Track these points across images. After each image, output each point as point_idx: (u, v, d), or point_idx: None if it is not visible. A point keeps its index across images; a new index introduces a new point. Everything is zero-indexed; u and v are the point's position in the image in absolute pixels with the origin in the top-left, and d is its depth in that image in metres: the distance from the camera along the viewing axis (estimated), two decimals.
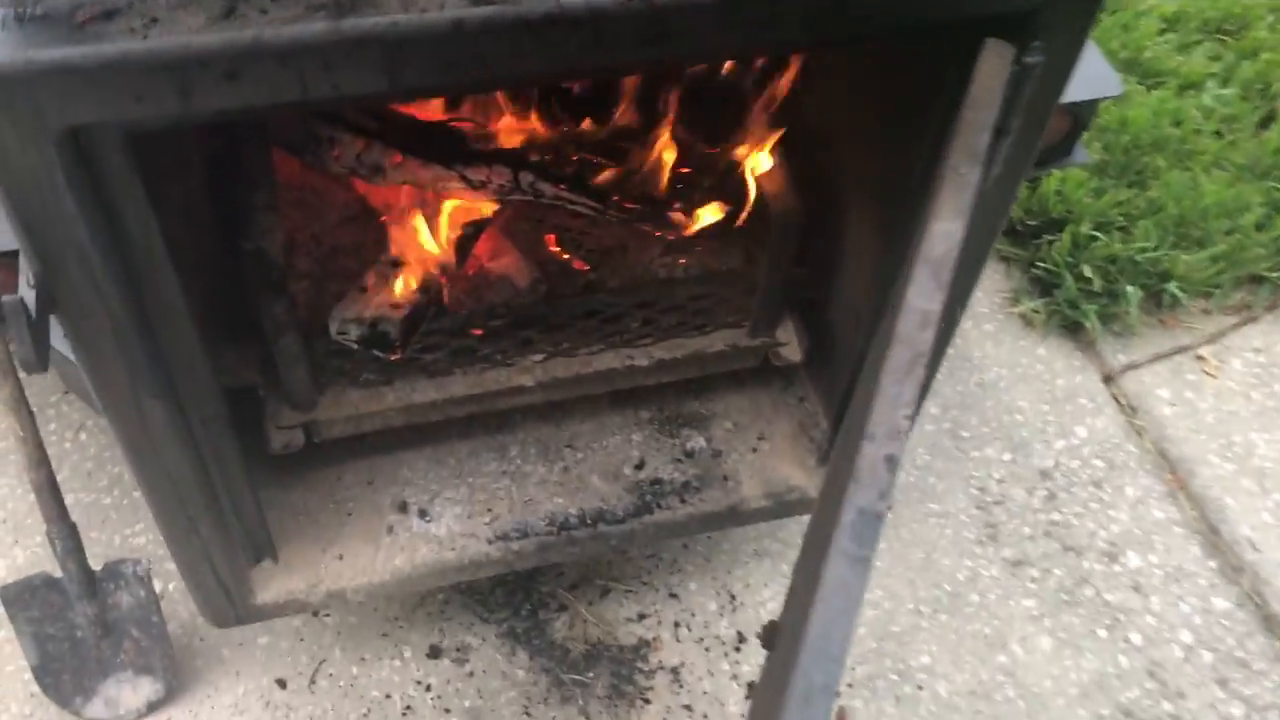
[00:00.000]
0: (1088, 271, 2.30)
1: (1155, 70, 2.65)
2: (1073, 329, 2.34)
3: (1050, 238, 2.38)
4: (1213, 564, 2.05)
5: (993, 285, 2.42)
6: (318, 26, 0.91)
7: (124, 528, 1.95)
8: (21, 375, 1.44)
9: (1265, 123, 2.57)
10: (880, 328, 1.16)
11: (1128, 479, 2.15)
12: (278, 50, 0.91)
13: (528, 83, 1.05)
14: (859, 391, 1.17)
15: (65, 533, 1.60)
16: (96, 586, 1.66)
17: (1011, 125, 1.14)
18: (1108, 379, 2.30)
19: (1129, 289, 2.29)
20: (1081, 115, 1.77)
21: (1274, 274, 2.38)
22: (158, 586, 1.83)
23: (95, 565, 1.66)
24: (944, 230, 0.94)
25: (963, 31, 1.09)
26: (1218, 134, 2.54)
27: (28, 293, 1.03)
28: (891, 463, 0.83)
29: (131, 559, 1.68)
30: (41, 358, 1.03)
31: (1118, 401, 2.26)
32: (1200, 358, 2.33)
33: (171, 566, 1.86)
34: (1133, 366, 2.30)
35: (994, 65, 1.05)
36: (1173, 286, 2.30)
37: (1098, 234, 2.33)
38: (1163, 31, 2.77)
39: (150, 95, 0.92)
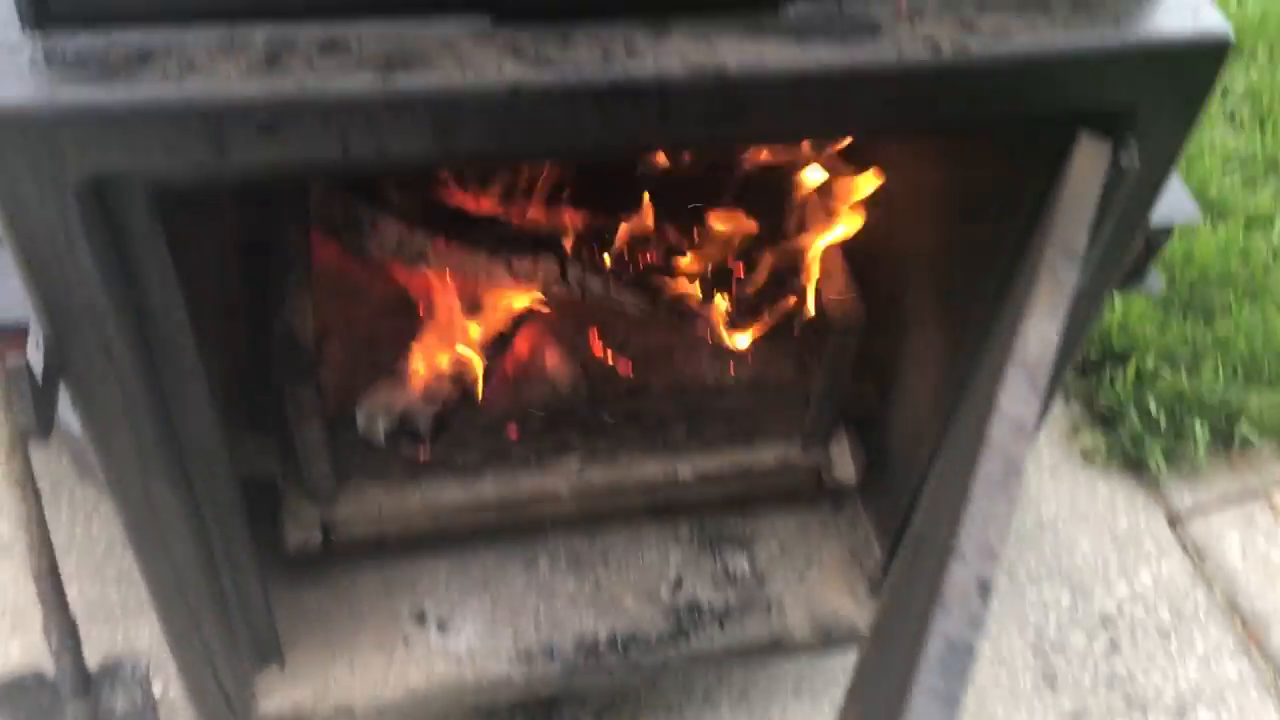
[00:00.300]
0: (1152, 407, 2.19)
1: (1221, 206, 2.58)
2: (1135, 467, 2.22)
3: (1112, 370, 2.28)
4: None
5: (1050, 416, 2.31)
6: (365, 82, 0.85)
7: (128, 624, 1.85)
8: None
9: None
10: (952, 437, 1.06)
11: (1197, 630, 2.00)
12: (321, 105, 0.85)
13: (585, 155, 0.98)
14: (928, 507, 1.07)
15: (63, 626, 1.49)
16: (91, 686, 1.55)
17: (1101, 234, 1.06)
18: (1173, 522, 2.16)
19: (1197, 427, 2.17)
20: (1156, 239, 1.68)
21: None
22: (158, 690, 1.72)
23: (94, 662, 1.55)
24: (1039, 332, 0.85)
25: (1054, 126, 1.02)
26: None
27: (35, 356, 0.95)
28: (984, 588, 0.72)
29: (130, 658, 1.56)
30: (44, 425, 0.94)
31: (1184, 547, 2.12)
32: (1273, 506, 2.19)
33: (174, 669, 1.75)
34: (1200, 510, 2.17)
35: (1090, 162, 0.98)
36: (1244, 427, 2.18)
37: (1163, 368, 2.23)
38: (1227, 168, 2.71)
39: (181, 146, 0.85)
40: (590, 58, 0.88)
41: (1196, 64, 0.97)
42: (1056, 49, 0.94)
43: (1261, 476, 2.23)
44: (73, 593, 1.50)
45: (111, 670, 1.57)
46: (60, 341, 0.95)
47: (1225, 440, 2.23)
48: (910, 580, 1.01)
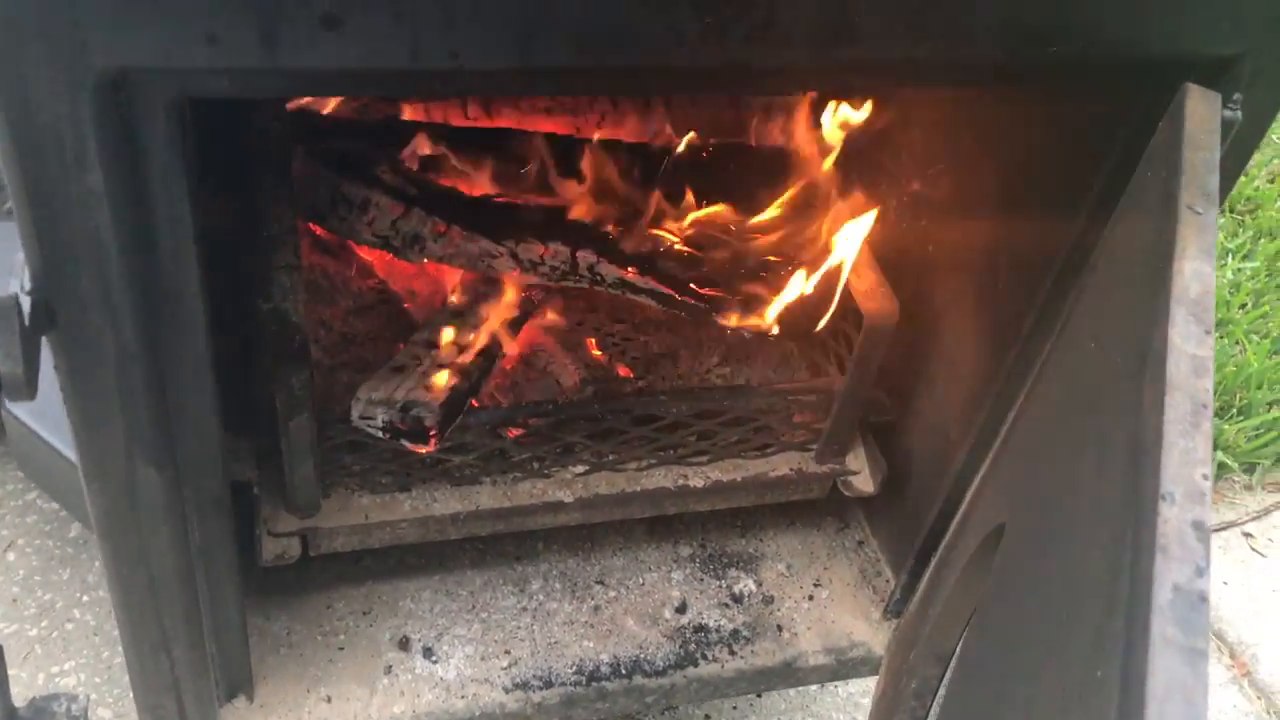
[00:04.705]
0: None
1: None
2: None
3: None
4: None
5: None
6: None
7: (51, 665, 1.64)
8: None
9: None
10: (1032, 414, 0.97)
11: None
12: None
13: (674, 81, 0.89)
14: (1006, 492, 0.97)
15: None
16: None
17: None
18: None
19: None
20: None
21: None
22: None
23: (21, 701, 1.36)
24: (1195, 270, 0.77)
25: (1153, 74, 0.95)
26: (1243, 307, 2.45)
27: (22, 298, 0.80)
28: (1201, 530, 0.63)
29: (66, 695, 1.37)
30: (30, 380, 0.79)
31: None
32: (1248, 535, 2.17)
33: (106, 714, 1.57)
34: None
35: (1203, 109, 0.91)
36: (1220, 456, 2.16)
37: None
38: None
39: (227, 37, 0.72)
40: None
41: None
42: None
43: (1234, 509, 2.21)
44: None
45: (42, 710, 1.38)
46: (53, 280, 0.81)
47: None
48: (1022, 572, 0.91)
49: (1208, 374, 0.71)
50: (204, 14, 0.71)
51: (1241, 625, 2.01)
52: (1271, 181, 2.86)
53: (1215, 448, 2.17)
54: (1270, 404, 2.25)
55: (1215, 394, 2.22)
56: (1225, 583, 2.07)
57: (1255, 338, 2.34)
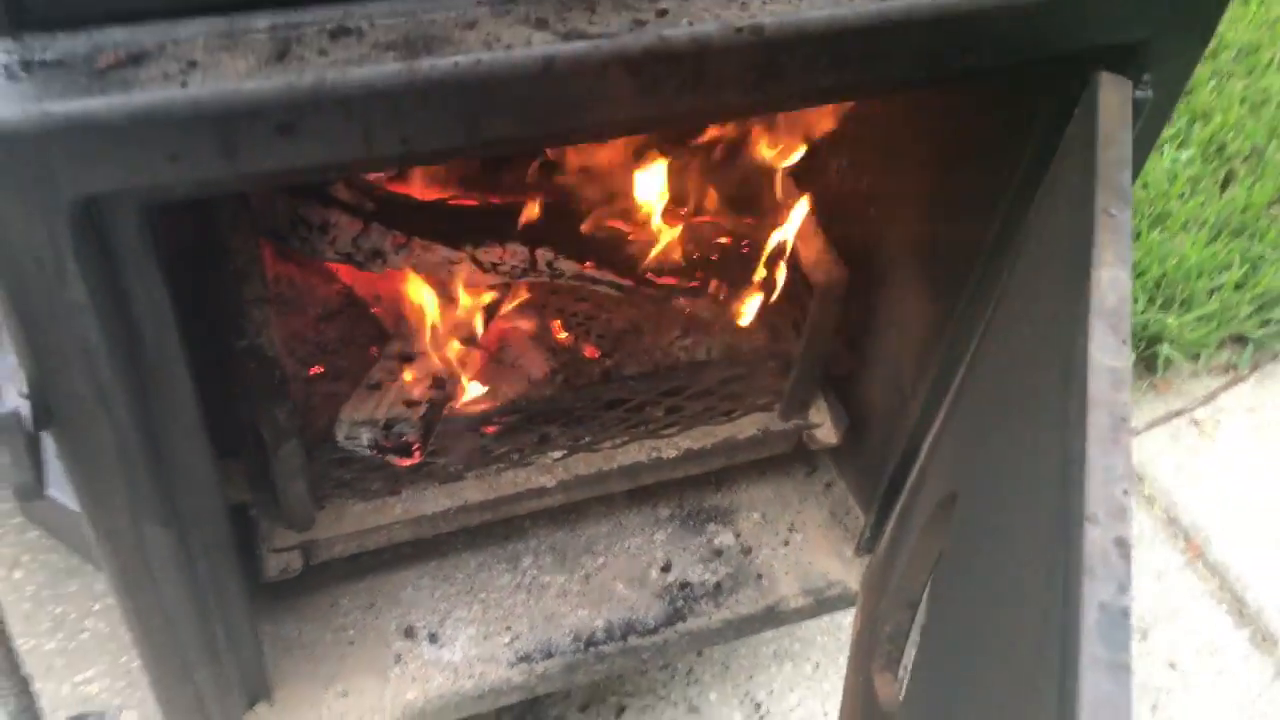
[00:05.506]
0: None
1: None
2: None
3: None
4: (1244, 635, 1.96)
5: None
6: (390, 68, 0.77)
7: (73, 675, 1.71)
8: None
9: (1226, 183, 2.57)
10: (972, 391, 1.04)
11: (1145, 551, 2.06)
12: (343, 96, 0.77)
13: (618, 131, 0.93)
14: (954, 463, 1.05)
15: (15, 688, 1.38)
16: None
17: None
18: None
19: None
20: None
21: (1257, 333, 2.34)
22: None
23: None
24: (1112, 278, 0.83)
25: (1065, 65, 1.00)
26: (1181, 196, 2.52)
27: (20, 403, 0.85)
28: (1123, 547, 0.70)
29: (94, 712, 1.45)
30: (39, 480, 0.85)
31: None
32: (1196, 421, 2.27)
33: (131, 717, 1.64)
34: (1132, 433, 2.23)
35: (1114, 100, 0.96)
36: (1166, 349, 2.25)
37: None
38: None
39: (188, 155, 0.76)
40: (621, 23, 0.82)
41: None
42: None
43: (1182, 397, 2.31)
44: None
45: None
46: (48, 383, 0.85)
47: (1147, 364, 2.29)
48: (975, 552, 0.99)
49: (1125, 386, 0.78)
50: (164, 137, 0.75)
51: (1196, 509, 2.12)
52: (1202, 62, 2.90)
53: (1161, 342, 2.26)
54: (1211, 291, 2.33)
55: (1158, 289, 2.31)
56: (1179, 468, 2.18)
57: (1194, 227, 2.41)
